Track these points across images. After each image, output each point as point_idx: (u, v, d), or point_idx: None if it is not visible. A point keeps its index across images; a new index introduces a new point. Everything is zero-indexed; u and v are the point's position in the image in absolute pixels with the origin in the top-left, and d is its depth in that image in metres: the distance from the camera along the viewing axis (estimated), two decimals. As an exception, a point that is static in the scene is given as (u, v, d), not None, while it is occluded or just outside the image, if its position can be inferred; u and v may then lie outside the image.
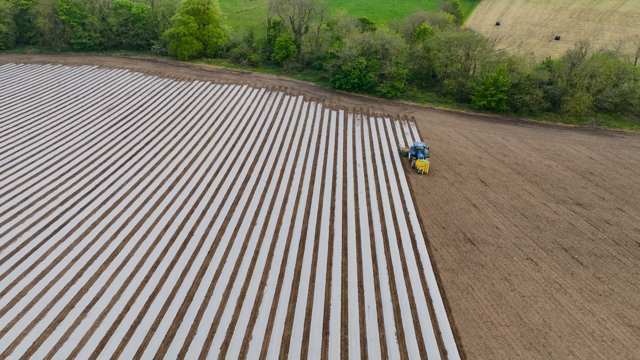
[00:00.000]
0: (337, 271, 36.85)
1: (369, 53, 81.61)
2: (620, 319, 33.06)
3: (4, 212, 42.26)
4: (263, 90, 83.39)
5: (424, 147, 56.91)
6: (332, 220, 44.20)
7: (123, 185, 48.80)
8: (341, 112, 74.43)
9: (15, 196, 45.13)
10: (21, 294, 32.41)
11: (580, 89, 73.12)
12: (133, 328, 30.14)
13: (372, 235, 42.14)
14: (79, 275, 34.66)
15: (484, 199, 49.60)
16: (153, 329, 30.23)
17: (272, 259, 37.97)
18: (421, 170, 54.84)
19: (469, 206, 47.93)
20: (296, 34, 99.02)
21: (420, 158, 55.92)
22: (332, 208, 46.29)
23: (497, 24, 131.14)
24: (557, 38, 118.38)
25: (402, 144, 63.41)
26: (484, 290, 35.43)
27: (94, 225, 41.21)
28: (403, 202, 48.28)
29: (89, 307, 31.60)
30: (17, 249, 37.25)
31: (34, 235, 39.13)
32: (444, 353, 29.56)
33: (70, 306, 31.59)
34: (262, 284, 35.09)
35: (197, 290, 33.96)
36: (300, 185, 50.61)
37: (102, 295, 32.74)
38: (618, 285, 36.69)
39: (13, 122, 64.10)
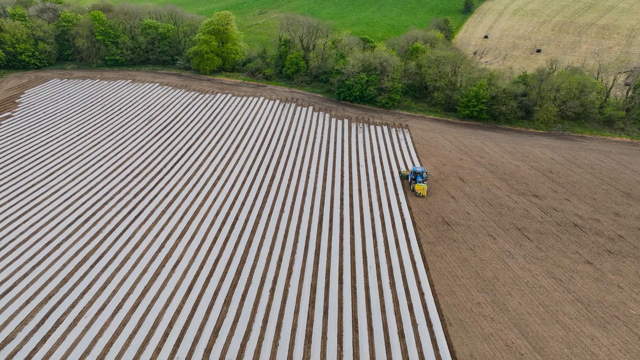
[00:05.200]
0: (347, 244, 50.30)
1: (369, 69, 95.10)
2: (549, 274, 46.44)
3: (95, 203, 55.88)
4: (278, 101, 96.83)
5: (423, 172, 61.56)
6: (341, 208, 57.63)
7: (177, 182, 62.29)
8: (346, 120, 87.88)
9: (98, 191, 58.73)
10: (126, 258, 46.05)
11: (547, 101, 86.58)
12: (208, 279, 43.66)
13: (372, 218, 55.56)
14: (162, 246, 48.22)
15: (461, 192, 62.93)
16: (222, 279, 43.74)
17: (299, 236, 51.41)
18: (420, 193, 60.20)
19: (448, 198, 61.28)
20: (305, 51, 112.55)
21: (419, 182, 61.21)
22: (341, 199, 59.70)
23: (486, 37, 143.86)
24: (539, 51, 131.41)
25: (402, 168, 68.44)
26: (454, 256, 48.82)
27: (163, 212, 54.76)
28: (397, 194, 61.67)
29: (174, 267, 45.14)
30: (113, 229, 50.83)
31: (122, 220, 52.71)
32: (422, 294, 43.01)
33: (162, 265, 45.16)
34: (293, 252, 48.55)
35: (247, 256, 47.47)
36: (315, 182, 64.03)
37: (182, 260, 46.26)
38: (553, 253, 50.08)
39: (76, 132, 77.65)
